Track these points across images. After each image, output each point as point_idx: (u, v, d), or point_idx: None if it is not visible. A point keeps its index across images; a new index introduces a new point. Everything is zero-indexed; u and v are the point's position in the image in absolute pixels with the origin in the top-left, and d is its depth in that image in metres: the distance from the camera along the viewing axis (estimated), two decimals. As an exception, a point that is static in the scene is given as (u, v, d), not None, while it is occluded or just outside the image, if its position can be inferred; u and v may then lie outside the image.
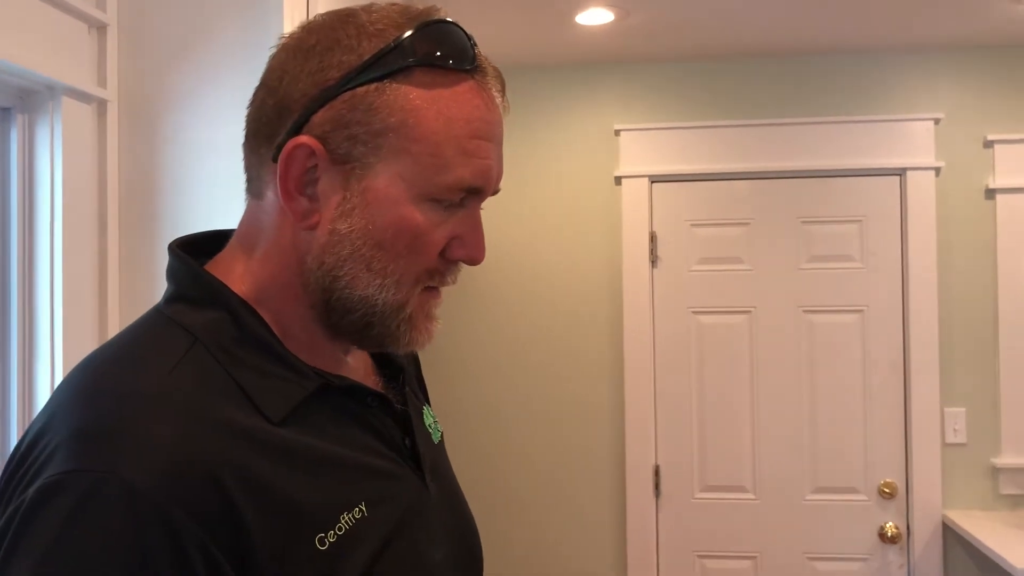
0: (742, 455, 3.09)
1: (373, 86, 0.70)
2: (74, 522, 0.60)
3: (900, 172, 3.05)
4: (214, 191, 1.63)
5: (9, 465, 0.67)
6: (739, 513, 3.09)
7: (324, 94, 0.70)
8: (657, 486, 3.12)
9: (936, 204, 3.02)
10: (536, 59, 3.10)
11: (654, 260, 3.13)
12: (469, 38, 0.75)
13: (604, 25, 2.74)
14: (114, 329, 1.64)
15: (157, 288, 1.64)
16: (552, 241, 3.13)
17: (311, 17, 0.77)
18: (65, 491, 0.60)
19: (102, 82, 1.62)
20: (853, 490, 3.04)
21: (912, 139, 3.03)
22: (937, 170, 3.02)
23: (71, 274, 1.54)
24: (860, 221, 3.07)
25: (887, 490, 3.01)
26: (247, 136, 0.76)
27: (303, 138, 0.70)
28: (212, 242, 0.80)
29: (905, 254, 3.03)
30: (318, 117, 0.70)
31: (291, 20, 1.64)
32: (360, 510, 0.71)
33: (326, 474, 0.70)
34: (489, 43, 3.21)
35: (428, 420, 0.89)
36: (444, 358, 3.12)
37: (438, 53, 0.71)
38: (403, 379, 0.86)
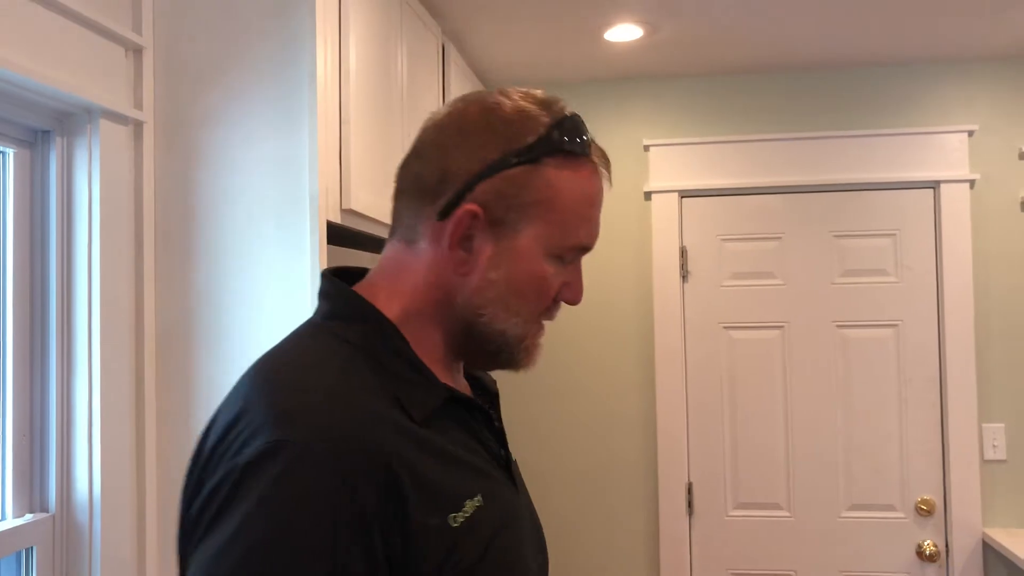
0: (776, 472, 3.06)
1: (525, 168, 0.88)
2: (284, 478, 0.74)
3: (934, 185, 3.02)
4: (248, 208, 1.66)
5: (204, 444, 0.83)
6: (774, 530, 3.06)
7: (486, 171, 0.88)
8: (690, 503, 3.10)
9: (971, 216, 2.98)
10: (566, 76, 3.11)
11: (685, 275, 3.12)
12: (585, 126, 0.94)
13: (633, 41, 2.75)
14: (151, 344, 1.67)
15: (192, 304, 1.67)
16: (583, 257, 3.12)
17: (456, 98, 0.95)
18: (276, 456, 0.74)
19: (138, 104, 1.66)
20: (890, 507, 3.00)
21: (946, 151, 3.00)
22: (972, 182, 2.98)
23: (108, 291, 1.57)
24: (894, 235, 3.04)
25: (925, 507, 2.96)
26: (403, 193, 0.93)
27: (473, 206, 0.87)
28: (352, 273, 0.97)
29: (940, 267, 3.00)
30: (480, 188, 0.87)
31: (324, 41, 1.67)
32: (479, 500, 0.85)
33: (453, 467, 0.84)
34: (519, 61, 3.26)
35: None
36: (475, 374, 3.12)
37: (571, 145, 0.90)
38: (498, 402, 1.02)
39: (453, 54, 2.64)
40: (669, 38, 2.73)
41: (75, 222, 1.55)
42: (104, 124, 1.56)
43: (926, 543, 2.95)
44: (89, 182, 1.55)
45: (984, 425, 2.95)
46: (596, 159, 0.93)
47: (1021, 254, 2.96)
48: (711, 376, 3.11)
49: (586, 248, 0.94)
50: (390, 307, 0.90)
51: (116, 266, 1.60)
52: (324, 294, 0.93)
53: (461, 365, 0.98)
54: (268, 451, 0.75)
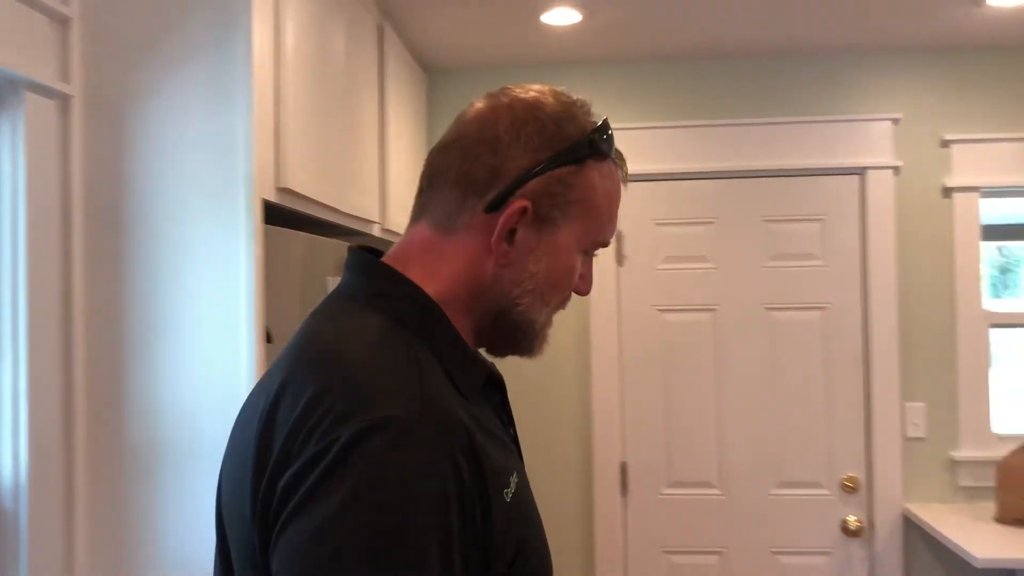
0: (708, 451, 3.12)
1: (572, 168, 0.94)
2: (391, 453, 0.75)
3: (861, 171, 3.10)
4: (181, 187, 1.62)
5: (272, 422, 0.82)
6: (705, 509, 3.12)
7: (537, 169, 0.93)
8: (624, 483, 3.14)
9: (895, 203, 3.07)
10: (504, 59, 3.11)
11: (620, 259, 3.15)
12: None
13: (570, 25, 2.76)
14: (80, 328, 1.62)
15: (123, 285, 1.62)
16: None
17: (491, 92, 1.00)
18: (380, 433, 0.75)
19: (65, 77, 1.60)
20: (817, 484, 3.09)
21: (872, 139, 3.08)
22: (896, 169, 3.07)
23: (35, 274, 1.52)
24: (822, 220, 3.12)
25: (850, 484, 3.06)
26: (442, 182, 0.96)
27: (524, 202, 0.92)
28: (370, 251, 0.99)
29: (865, 252, 3.08)
30: (531, 185, 0.92)
31: (260, 16, 1.63)
32: (516, 476, 0.89)
33: (497, 444, 0.88)
34: (458, 43, 3.24)
35: None
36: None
37: (607, 147, 0.97)
38: (505, 388, 1.04)
39: (391, 36, 2.62)
40: (606, 23, 2.75)
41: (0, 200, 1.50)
42: (29, 97, 1.51)
43: (850, 519, 3.04)
44: (13, 158, 1.50)
45: (906, 404, 3.05)
46: (619, 161, 1.00)
47: (942, 239, 3.06)
48: (645, 358, 3.15)
49: (607, 243, 1.01)
50: (432, 290, 0.93)
51: (43, 246, 1.55)
52: (359, 270, 0.95)
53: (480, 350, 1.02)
54: (371, 428, 0.76)
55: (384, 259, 0.96)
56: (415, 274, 0.93)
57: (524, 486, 0.92)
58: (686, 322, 3.13)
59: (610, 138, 0.98)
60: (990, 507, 2.87)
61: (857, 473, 3.07)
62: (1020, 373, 3.23)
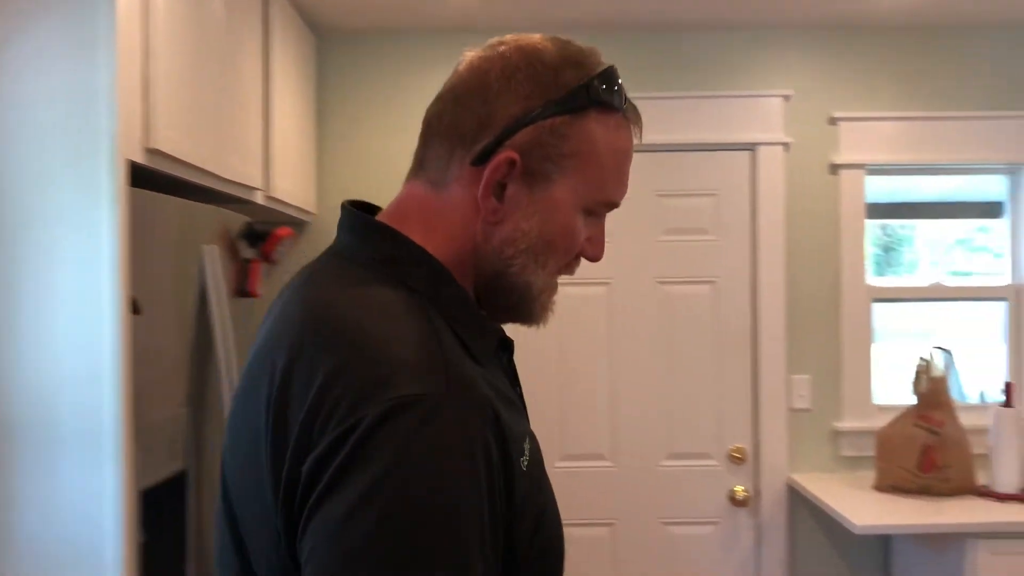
0: (600, 424, 3.13)
1: (566, 118, 0.87)
2: (421, 431, 0.72)
3: (752, 147, 3.13)
4: (36, 145, 1.50)
5: (287, 400, 0.77)
6: (597, 481, 3.14)
7: (527, 118, 0.86)
8: (517, 457, 3.13)
9: (785, 179, 3.12)
10: (397, 22, 3.01)
11: (515, 231, 3.12)
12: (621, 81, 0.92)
13: (465, -10, 2.69)
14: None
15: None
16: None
17: (493, 41, 0.92)
18: (408, 411, 0.72)
19: (-97, 22, 1.46)
20: (706, 456, 3.13)
21: (763, 115, 3.12)
22: (786, 145, 3.12)
23: None
24: (714, 195, 3.15)
25: (737, 455, 3.11)
26: (434, 134, 0.91)
27: (511, 153, 0.86)
28: (361, 207, 0.95)
29: (755, 227, 3.13)
30: (520, 136, 0.86)
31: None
32: (529, 441, 0.87)
33: (511, 410, 0.85)
34: (350, 8, 3.12)
35: None
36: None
37: (611, 97, 0.89)
38: (512, 348, 1.00)
39: (276, -7, 2.50)
40: (501, -11, 2.69)
41: None
42: None
43: (738, 489, 3.11)
44: None
45: (792, 376, 3.12)
46: (631, 115, 0.92)
47: (829, 216, 3.13)
48: (539, 331, 3.12)
49: (615, 204, 0.94)
50: (435, 252, 0.88)
51: None
52: (359, 231, 0.90)
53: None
54: (397, 407, 0.73)
55: (381, 217, 0.92)
56: (416, 235, 0.88)
57: (536, 449, 0.90)
58: (579, 295, 3.13)
59: (618, 89, 0.90)
60: (870, 476, 2.96)
61: (744, 444, 3.13)
62: (900, 346, 3.34)
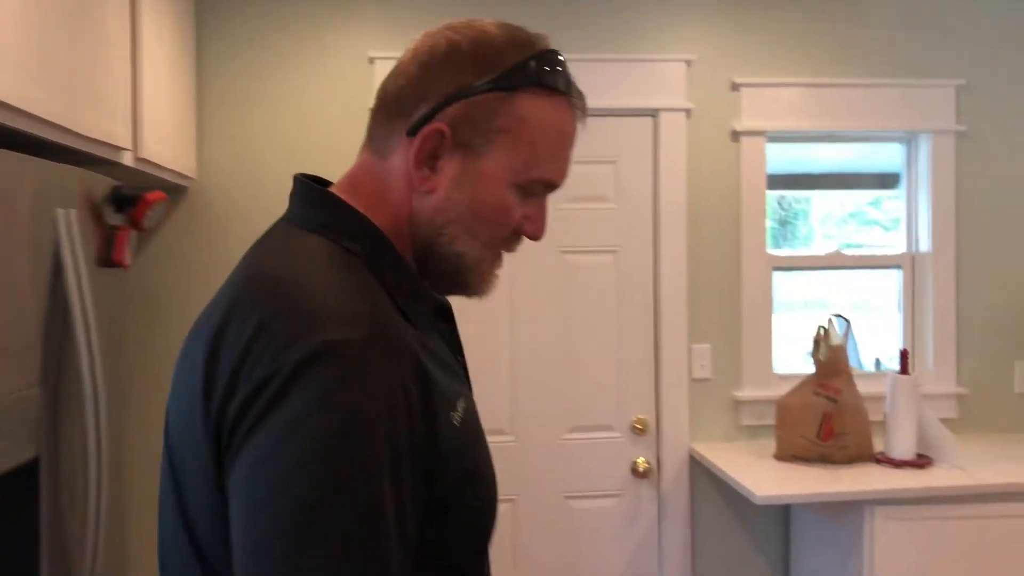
0: (501, 397, 3.04)
1: (499, 94, 0.91)
2: (343, 375, 0.76)
3: (653, 113, 3.07)
4: None
5: (217, 351, 0.82)
6: (498, 456, 3.02)
7: (460, 93, 0.91)
8: (415, 433, 3.02)
9: (687, 146, 3.07)
10: (281, -24, 2.83)
11: (411, 198, 2.98)
12: (566, 65, 0.96)
13: (354, -60, 2.53)
14: None
15: None
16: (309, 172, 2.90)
17: (448, 23, 0.97)
18: (330, 355, 0.77)
19: None
20: (608, 427, 3.08)
21: (664, 80, 3.06)
22: (688, 112, 3.06)
23: None
24: (615, 162, 3.07)
25: (639, 426, 3.07)
26: (381, 107, 0.97)
27: (441, 124, 0.91)
28: (317, 181, 1.00)
29: (657, 195, 3.07)
30: (452, 109, 0.91)
31: None
32: (464, 401, 0.91)
33: (444, 369, 0.91)
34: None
35: None
36: (196, 290, 2.85)
37: (547, 78, 0.93)
38: (453, 318, 1.06)
39: (144, -65, 2.29)
40: (393, -60, 2.54)
41: None
42: None
43: (640, 460, 3.07)
44: None
45: (693, 346, 3.09)
46: (574, 100, 0.96)
47: (730, 184, 3.10)
48: (437, 303, 3.01)
49: (553, 185, 0.97)
50: (378, 222, 0.93)
51: None
52: (308, 201, 0.95)
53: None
54: (319, 352, 0.77)
55: (333, 188, 0.97)
56: (360, 203, 0.94)
57: (472, 414, 0.94)
58: (480, 265, 3.01)
59: (559, 72, 0.94)
60: (770, 445, 2.96)
61: (646, 415, 3.09)
62: (798, 316, 3.35)
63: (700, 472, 3.07)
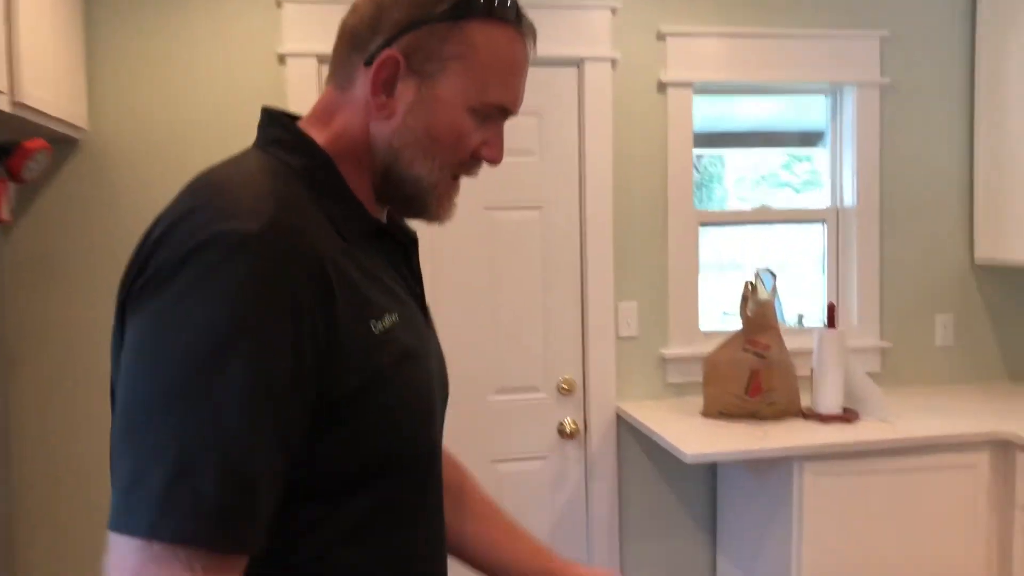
0: (423, 360, 2.92)
1: (448, 24, 0.96)
2: (228, 260, 0.80)
3: (578, 62, 2.96)
4: None
5: (145, 243, 0.85)
6: (420, 421, 2.93)
7: (412, 24, 0.96)
8: (333, 398, 2.88)
9: (613, 97, 2.97)
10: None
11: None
12: None
13: None
14: None
15: None
16: (212, 127, 2.71)
17: None
18: (222, 241, 0.80)
19: None
20: (534, 389, 3.00)
21: (590, 28, 2.94)
22: (613, 61, 2.96)
23: None
24: (539, 114, 2.96)
25: (566, 386, 2.99)
26: (340, 43, 1.01)
27: (395, 52, 0.96)
28: (288, 116, 1.03)
29: (583, 148, 2.97)
30: (406, 38, 0.96)
31: None
32: (397, 316, 0.94)
33: (377, 284, 0.94)
34: None
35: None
36: (86, 247, 2.65)
37: (495, 9, 0.97)
38: (416, 247, 1.10)
39: None
40: None
41: None
42: None
43: (567, 421, 2.99)
44: None
45: (620, 304, 3.01)
46: (524, 30, 1.01)
47: (657, 136, 3.01)
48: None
49: (506, 110, 1.01)
50: (323, 142, 0.98)
51: None
52: (263, 127, 1.01)
53: (386, 211, 1.06)
54: (214, 237, 0.80)
55: (299, 121, 1.02)
56: (314, 129, 1.00)
57: (407, 330, 0.95)
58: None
59: (508, 3, 0.99)
60: (697, 402, 2.91)
61: (573, 375, 3.01)
62: (723, 273, 3.31)
63: (627, 431, 3.01)
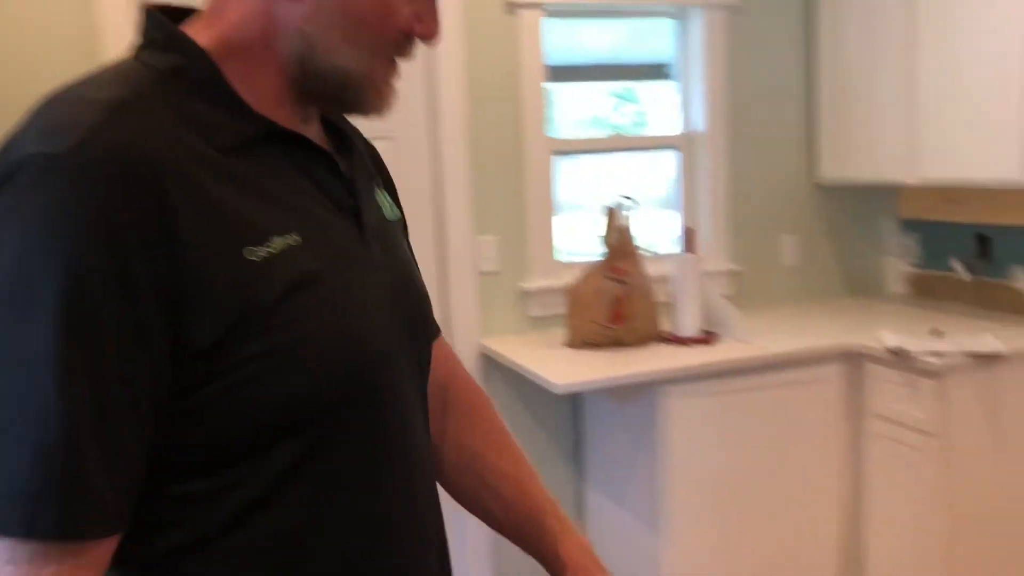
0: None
1: None
2: (26, 192, 0.68)
3: (424, -15, 2.81)
4: None
5: None
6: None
7: None
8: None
9: (463, 20, 2.84)
10: None
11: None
12: None
13: None
14: None
15: None
16: (14, 69, 2.43)
17: None
18: (23, 170, 0.69)
19: None
20: (393, 330, 2.89)
21: (435, -51, 2.79)
22: (461, -15, 2.83)
23: None
24: (386, 41, 2.80)
25: (427, 325, 2.90)
26: None
27: None
28: (182, 12, 0.87)
29: (434, 76, 2.84)
30: None
31: None
32: (294, 239, 0.79)
33: (262, 201, 0.79)
34: None
35: (381, 199, 0.99)
36: None
37: None
38: (353, 152, 0.94)
39: None
40: None
41: None
42: None
43: (429, 361, 2.91)
44: None
45: (479, 238, 2.93)
46: None
47: (510, 61, 2.92)
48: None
49: None
50: (208, 38, 0.82)
51: None
52: (140, 28, 0.85)
53: (315, 112, 0.90)
54: (21, 162, 0.69)
55: (188, 18, 0.86)
56: (203, 24, 0.83)
57: (318, 253, 0.80)
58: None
59: None
60: (560, 333, 2.89)
61: (436, 312, 2.92)
62: (580, 201, 3.28)
63: (491, 367, 2.96)
